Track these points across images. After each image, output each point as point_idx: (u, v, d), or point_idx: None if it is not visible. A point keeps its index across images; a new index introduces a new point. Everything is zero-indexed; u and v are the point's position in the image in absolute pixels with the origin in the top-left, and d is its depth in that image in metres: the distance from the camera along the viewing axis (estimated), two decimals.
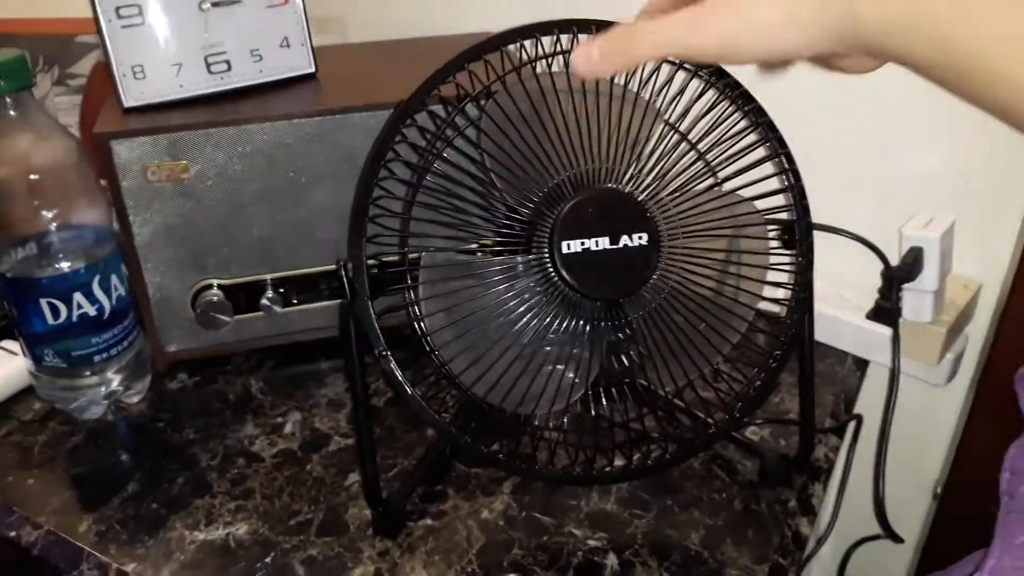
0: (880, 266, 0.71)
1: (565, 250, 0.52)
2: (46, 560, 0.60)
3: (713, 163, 0.56)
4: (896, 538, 0.73)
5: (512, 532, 0.60)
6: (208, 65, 0.68)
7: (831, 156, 0.76)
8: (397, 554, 0.59)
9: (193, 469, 0.66)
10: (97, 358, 0.69)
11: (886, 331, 0.71)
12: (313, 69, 0.73)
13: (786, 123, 0.74)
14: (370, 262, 0.54)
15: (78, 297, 0.66)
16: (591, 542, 0.60)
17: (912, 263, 0.67)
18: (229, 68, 0.69)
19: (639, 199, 0.53)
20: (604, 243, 0.52)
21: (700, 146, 0.56)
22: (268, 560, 0.58)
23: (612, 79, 0.53)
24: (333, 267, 0.72)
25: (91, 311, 0.66)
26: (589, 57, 0.44)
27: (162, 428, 0.70)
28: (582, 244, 0.52)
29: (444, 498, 0.63)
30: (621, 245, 0.52)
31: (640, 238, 0.52)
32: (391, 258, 0.56)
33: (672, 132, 0.56)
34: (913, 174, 0.73)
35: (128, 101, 0.66)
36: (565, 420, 0.61)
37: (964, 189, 0.71)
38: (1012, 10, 0.34)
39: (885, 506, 0.72)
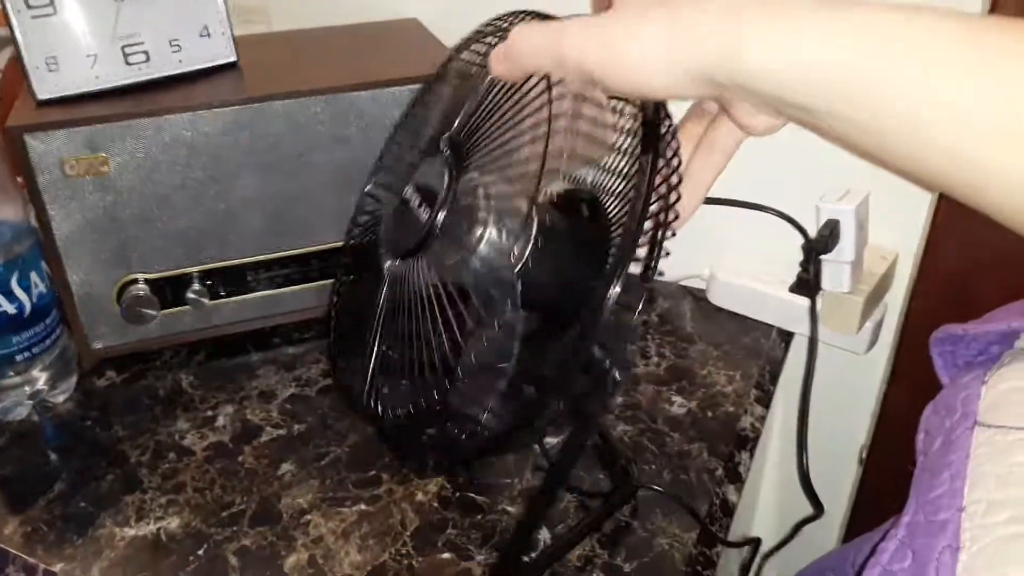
0: (801, 240, 0.73)
1: None
2: None
3: None
4: (819, 508, 0.75)
5: (446, 512, 0.61)
6: (125, 56, 0.67)
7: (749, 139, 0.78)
8: (331, 540, 0.59)
9: (123, 466, 0.65)
10: (19, 357, 0.67)
11: (808, 303, 0.73)
12: (234, 58, 0.73)
13: None
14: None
15: None
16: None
17: (828, 235, 0.69)
18: (147, 59, 0.68)
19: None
20: None
21: None
22: (201, 552, 0.58)
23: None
24: (260, 258, 0.73)
25: (10, 310, 0.65)
26: (496, 56, 0.43)
27: (90, 426, 0.69)
28: None
29: (378, 483, 0.63)
30: None
31: None
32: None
33: None
34: (829, 149, 0.75)
35: (42, 93, 0.65)
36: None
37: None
38: (949, 71, 0.30)
39: (810, 476, 0.74)
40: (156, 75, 0.69)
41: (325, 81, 0.69)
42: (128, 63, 0.68)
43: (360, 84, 0.69)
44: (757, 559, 0.79)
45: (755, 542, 0.69)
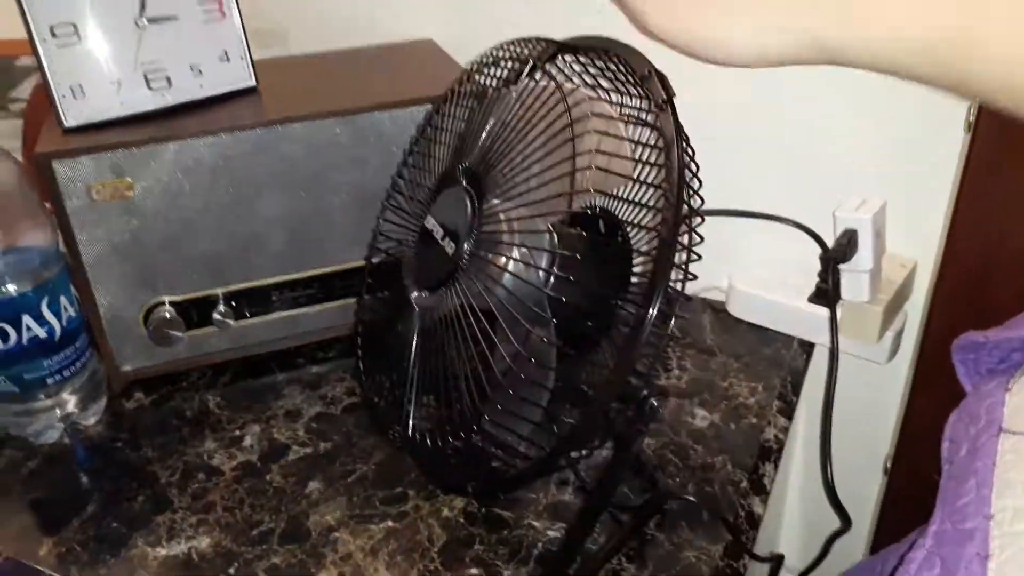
0: (819, 250, 0.74)
1: None
2: None
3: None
4: (846, 520, 0.75)
5: (472, 528, 0.61)
6: (148, 81, 0.68)
7: (763, 146, 0.78)
8: (360, 557, 0.59)
9: (153, 486, 0.66)
10: (50, 381, 0.68)
11: (827, 313, 0.73)
12: (254, 82, 0.74)
13: (718, 114, 0.77)
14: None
15: (27, 320, 0.65)
16: (551, 532, 0.61)
17: (847, 244, 0.69)
18: (169, 84, 0.69)
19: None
20: None
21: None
22: (231, 571, 0.59)
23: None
24: (283, 278, 0.73)
25: (41, 334, 0.66)
26: None
27: (120, 448, 0.70)
28: None
29: (404, 499, 0.64)
30: None
31: None
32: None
33: None
34: (844, 158, 0.75)
35: (69, 121, 0.66)
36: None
37: (894, 170, 0.74)
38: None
39: (835, 487, 0.74)
40: (178, 100, 0.70)
41: (343, 103, 0.70)
42: (151, 88, 0.69)
43: (378, 105, 0.70)
44: None
45: (779, 558, 0.69)
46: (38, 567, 0.59)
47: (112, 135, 0.66)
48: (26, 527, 0.63)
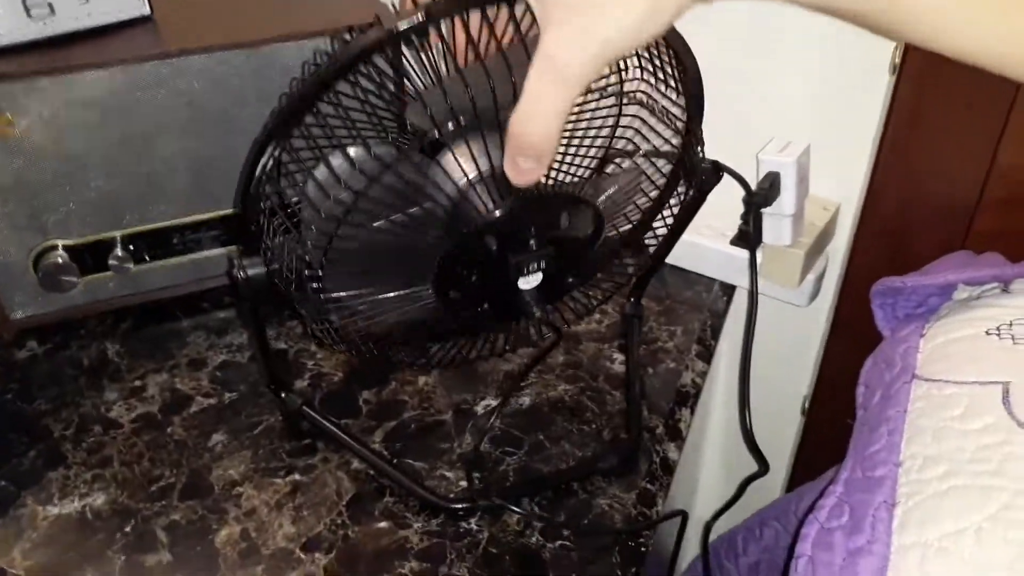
0: (742, 193, 0.72)
1: None
2: None
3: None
4: (763, 464, 0.75)
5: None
6: (27, 8, 0.63)
7: None
8: (264, 512, 0.57)
9: (46, 441, 0.63)
10: None
11: (748, 256, 0.72)
12: (148, 11, 0.68)
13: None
14: None
15: None
16: (464, 483, 0.60)
17: (769, 188, 0.68)
18: (52, 11, 0.64)
19: None
20: None
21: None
22: (128, 529, 0.56)
23: None
24: (186, 220, 0.70)
25: None
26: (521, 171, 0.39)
27: (11, 400, 0.66)
28: None
29: (312, 451, 0.62)
30: None
31: None
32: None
33: None
34: (770, 101, 0.73)
35: None
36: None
37: (819, 114, 0.72)
38: None
39: (753, 430, 0.74)
40: (62, 30, 0.65)
41: (246, 33, 0.66)
42: (30, 16, 0.63)
43: (284, 36, 0.66)
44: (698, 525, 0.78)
45: (681, 514, 0.69)
46: None
47: None
48: None
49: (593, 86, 0.52)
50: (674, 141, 0.55)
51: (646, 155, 0.57)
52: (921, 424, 0.48)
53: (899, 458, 0.47)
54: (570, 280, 0.54)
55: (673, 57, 0.51)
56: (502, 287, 0.51)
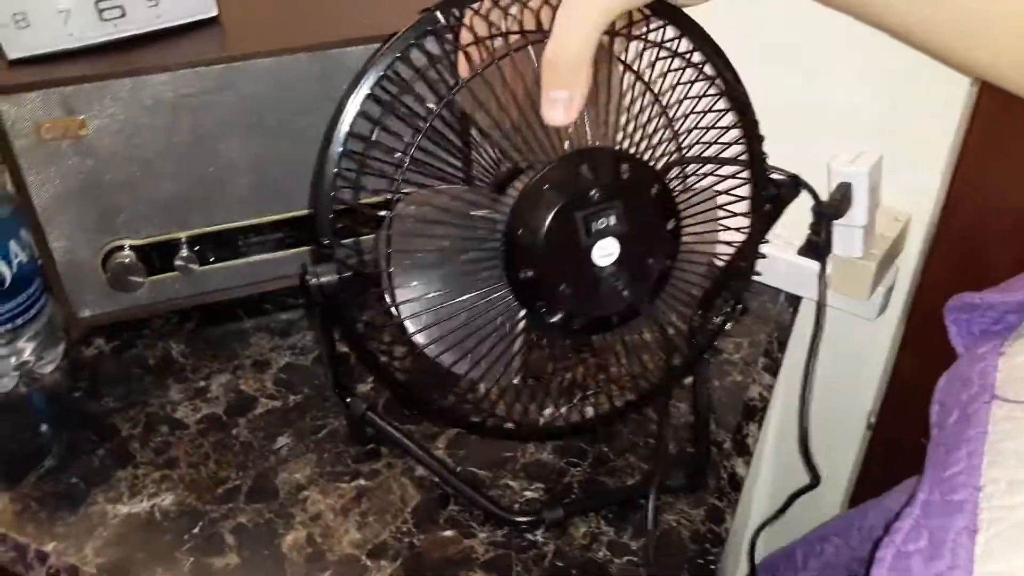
0: (811, 202, 0.71)
1: None
2: None
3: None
4: (815, 477, 0.74)
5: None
6: (99, 11, 0.63)
7: (758, 96, 0.74)
8: (330, 517, 0.58)
9: (114, 439, 0.63)
10: (3, 328, 0.65)
11: (817, 267, 0.71)
12: (215, 12, 0.69)
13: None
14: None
15: None
16: (528, 493, 0.59)
17: (841, 199, 0.66)
18: (123, 13, 0.64)
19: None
20: None
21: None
22: (196, 531, 0.57)
23: None
24: (250, 222, 0.70)
25: None
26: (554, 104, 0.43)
27: (79, 398, 0.67)
28: None
29: (377, 456, 0.62)
30: None
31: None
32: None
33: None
34: (841, 109, 0.72)
35: (12, 53, 0.61)
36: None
37: (892, 123, 0.70)
38: None
39: (809, 442, 0.73)
40: (133, 31, 0.65)
41: (313, 36, 0.66)
42: (102, 19, 0.64)
43: (351, 39, 0.66)
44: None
45: None
46: None
47: (62, 69, 0.61)
48: None
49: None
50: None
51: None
52: (1003, 447, 0.46)
53: (980, 482, 0.46)
54: (650, 261, 0.52)
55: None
56: (578, 262, 0.49)
